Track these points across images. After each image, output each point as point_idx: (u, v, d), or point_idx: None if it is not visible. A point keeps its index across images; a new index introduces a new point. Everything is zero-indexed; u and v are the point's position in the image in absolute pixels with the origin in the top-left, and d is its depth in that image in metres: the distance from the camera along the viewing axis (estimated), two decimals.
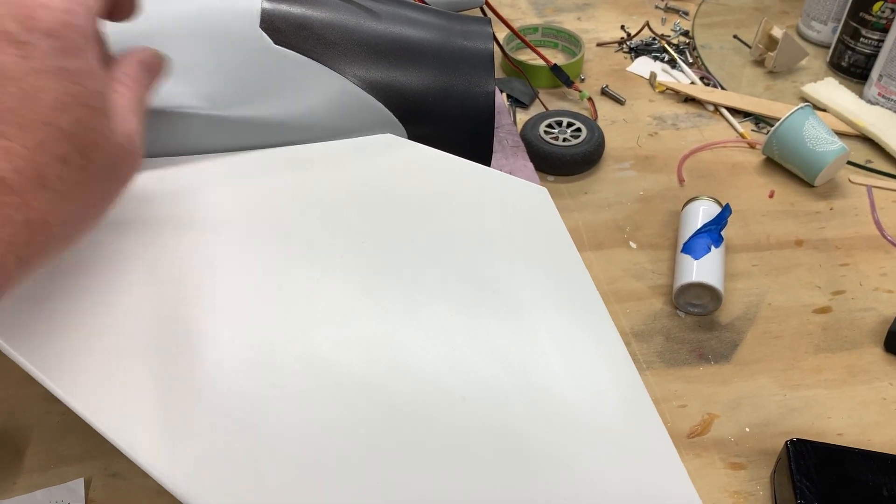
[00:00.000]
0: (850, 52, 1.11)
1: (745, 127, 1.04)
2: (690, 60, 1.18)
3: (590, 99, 1.06)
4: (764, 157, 0.98)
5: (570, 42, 1.18)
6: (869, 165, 0.98)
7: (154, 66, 0.43)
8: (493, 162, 0.65)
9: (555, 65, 1.07)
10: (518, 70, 1.07)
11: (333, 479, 0.41)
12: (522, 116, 1.02)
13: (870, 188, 0.94)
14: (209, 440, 0.42)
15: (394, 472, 0.41)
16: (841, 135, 0.99)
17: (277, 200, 0.53)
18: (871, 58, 1.08)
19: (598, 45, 1.21)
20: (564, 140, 0.95)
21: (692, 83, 1.13)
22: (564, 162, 0.93)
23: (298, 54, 0.56)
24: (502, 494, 0.41)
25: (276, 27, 0.56)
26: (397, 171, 0.56)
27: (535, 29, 1.20)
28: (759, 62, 1.16)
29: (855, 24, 1.08)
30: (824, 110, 1.06)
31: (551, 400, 0.45)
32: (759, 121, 1.06)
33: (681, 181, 0.95)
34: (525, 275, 0.51)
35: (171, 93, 0.52)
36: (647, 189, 0.94)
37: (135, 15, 0.42)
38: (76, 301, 0.44)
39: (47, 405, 0.68)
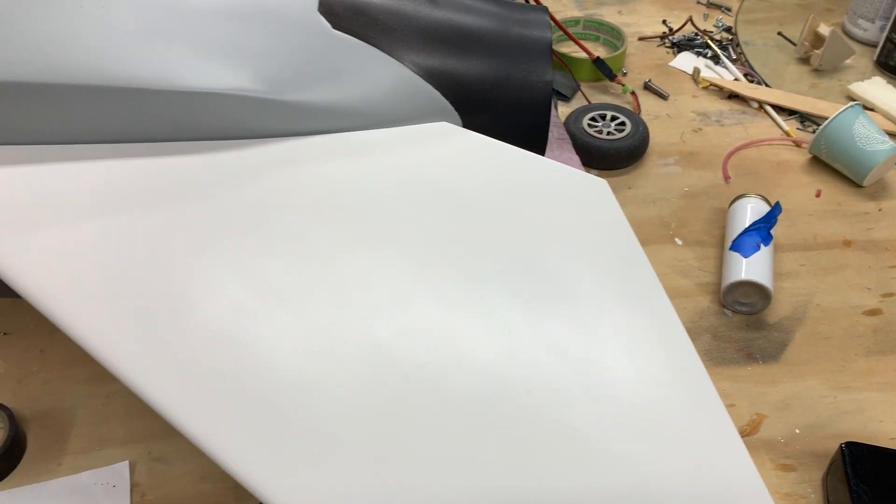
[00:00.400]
0: None
1: (790, 125, 1.03)
2: (734, 57, 1.16)
3: (633, 93, 1.05)
4: (810, 155, 0.97)
5: (612, 35, 1.16)
6: None
7: None
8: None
9: (598, 58, 1.05)
10: (561, 62, 1.06)
11: (393, 472, 0.40)
12: (564, 109, 1.01)
13: None
14: (268, 425, 0.41)
15: (462, 466, 0.40)
16: (890, 135, 0.97)
17: (333, 187, 0.52)
18: None
19: (640, 39, 1.20)
20: (608, 134, 0.94)
21: (736, 80, 1.11)
22: (608, 156, 0.92)
23: (356, 39, 0.55)
24: (568, 490, 0.40)
25: (335, 11, 0.55)
26: (454, 160, 0.56)
27: (576, 21, 1.18)
28: (805, 60, 1.14)
29: None
30: (871, 109, 1.04)
31: (616, 397, 0.44)
32: (805, 119, 1.04)
33: (726, 178, 0.93)
34: (586, 268, 0.50)
35: (229, 76, 0.52)
36: (691, 185, 0.92)
37: None
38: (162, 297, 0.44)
39: (90, 387, 0.68)
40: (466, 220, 0.52)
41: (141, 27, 0.49)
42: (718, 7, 1.28)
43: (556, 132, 0.87)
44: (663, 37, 1.20)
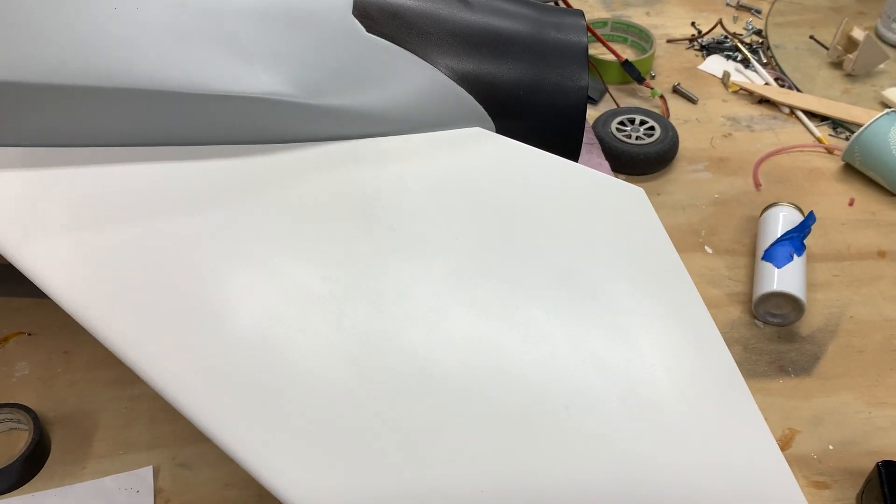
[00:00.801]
0: None
1: (821, 131, 1.01)
2: (764, 60, 1.15)
3: (662, 97, 1.03)
4: (843, 162, 0.95)
5: (640, 37, 1.15)
6: None
7: None
8: None
9: (626, 60, 1.04)
10: (590, 64, 1.05)
11: (426, 482, 0.39)
12: (592, 113, 1.00)
13: None
14: (300, 433, 0.41)
15: (501, 478, 0.39)
16: None
17: (368, 193, 0.51)
18: None
19: (668, 41, 1.18)
20: (637, 138, 0.93)
21: (766, 84, 1.09)
22: (637, 161, 0.91)
23: (391, 43, 0.54)
24: None
25: (369, 15, 0.54)
26: (489, 167, 0.55)
27: (604, 23, 1.17)
28: (837, 64, 1.12)
29: None
30: None
31: (656, 411, 0.43)
32: (837, 125, 1.02)
33: (757, 185, 0.92)
34: (625, 279, 0.49)
35: (264, 80, 0.51)
36: (722, 192, 0.91)
37: None
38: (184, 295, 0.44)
39: (115, 391, 0.68)
40: (503, 228, 0.51)
41: (175, 30, 0.48)
42: (748, 9, 1.26)
43: (585, 136, 0.85)
44: (692, 39, 1.18)
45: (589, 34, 1.06)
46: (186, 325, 0.44)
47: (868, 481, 0.61)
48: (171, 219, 0.47)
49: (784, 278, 0.75)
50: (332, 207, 0.50)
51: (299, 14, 0.52)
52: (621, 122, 0.95)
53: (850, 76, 1.10)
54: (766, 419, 0.68)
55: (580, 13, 0.63)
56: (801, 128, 1.02)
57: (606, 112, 0.97)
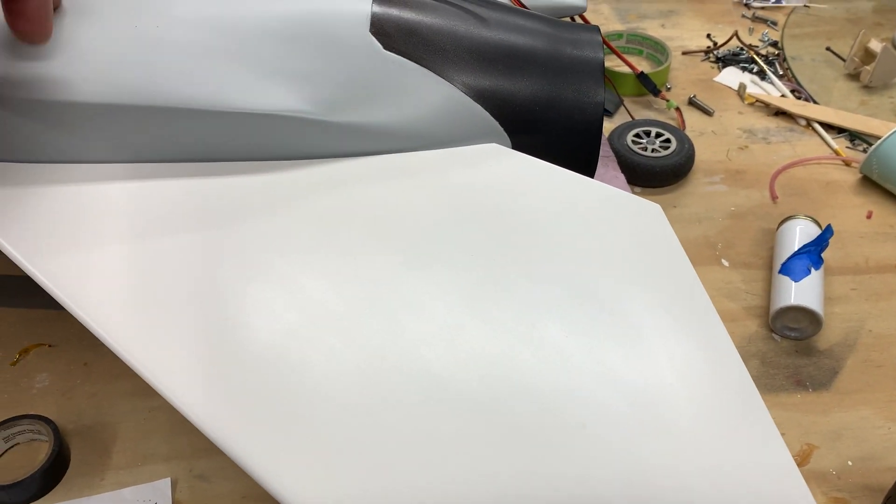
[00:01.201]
0: None
1: (839, 143, 1.00)
2: (780, 72, 1.14)
3: (677, 109, 1.03)
4: (860, 175, 0.94)
5: (656, 50, 1.15)
6: None
7: None
8: None
9: (642, 72, 1.04)
10: (605, 77, 1.05)
11: (442, 499, 0.39)
12: (608, 125, 1.00)
13: None
14: (315, 449, 0.41)
15: (518, 497, 0.39)
16: None
17: (384, 209, 0.52)
18: None
19: (684, 53, 1.18)
20: (653, 151, 0.92)
21: (783, 96, 1.09)
22: (653, 174, 0.90)
23: (407, 60, 0.55)
24: None
25: (386, 32, 0.55)
26: (505, 183, 0.55)
27: (619, 35, 1.17)
28: (854, 76, 1.12)
29: None
30: None
31: (674, 431, 0.43)
32: (855, 137, 1.02)
33: (773, 198, 0.91)
34: (642, 296, 0.49)
35: (281, 97, 0.51)
36: (738, 205, 0.91)
37: None
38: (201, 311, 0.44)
39: (133, 401, 0.68)
40: (518, 245, 0.51)
41: (195, 47, 0.49)
42: (764, 21, 1.26)
43: (600, 150, 0.85)
44: (707, 51, 1.18)
45: (605, 47, 1.06)
46: (204, 339, 0.44)
47: (888, 498, 0.61)
48: (189, 234, 0.48)
49: (801, 292, 0.74)
50: (347, 223, 0.50)
51: (316, 31, 0.53)
52: (637, 135, 0.95)
53: (868, 88, 1.10)
54: (784, 434, 0.68)
55: (596, 29, 0.63)
56: (818, 140, 1.02)
57: (622, 124, 0.97)
